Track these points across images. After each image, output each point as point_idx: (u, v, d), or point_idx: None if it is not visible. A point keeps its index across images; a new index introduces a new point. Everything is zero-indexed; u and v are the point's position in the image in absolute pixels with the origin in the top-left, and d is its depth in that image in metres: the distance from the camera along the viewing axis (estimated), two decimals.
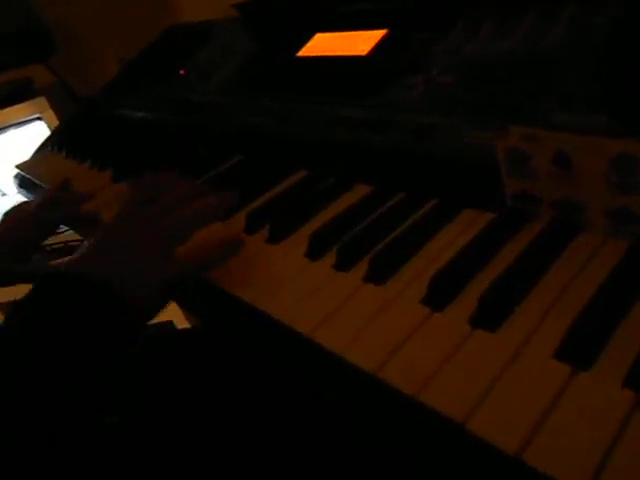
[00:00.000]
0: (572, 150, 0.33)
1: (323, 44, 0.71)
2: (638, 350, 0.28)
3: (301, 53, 0.71)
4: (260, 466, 0.48)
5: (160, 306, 0.42)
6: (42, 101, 1.28)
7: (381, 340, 0.33)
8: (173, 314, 1.47)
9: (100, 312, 0.37)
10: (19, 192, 0.90)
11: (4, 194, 1.42)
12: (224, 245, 0.45)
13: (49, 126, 1.30)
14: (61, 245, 1.35)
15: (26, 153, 0.96)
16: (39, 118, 1.32)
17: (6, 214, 0.65)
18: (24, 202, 0.70)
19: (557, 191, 0.36)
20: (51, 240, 1.36)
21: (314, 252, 0.43)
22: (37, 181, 0.83)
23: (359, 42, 0.66)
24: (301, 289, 0.40)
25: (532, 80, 0.43)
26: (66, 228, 1.28)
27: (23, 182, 0.87)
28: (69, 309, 0.36)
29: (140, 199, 0.45)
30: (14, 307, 0.37)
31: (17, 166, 0.91)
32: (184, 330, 1.05)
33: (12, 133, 1.36)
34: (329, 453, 0.45)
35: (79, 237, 1.32)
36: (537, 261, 0.35)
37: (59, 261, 0.63)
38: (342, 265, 0.41)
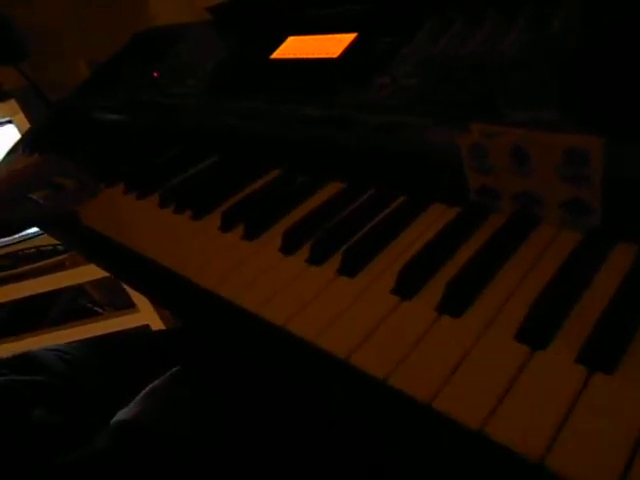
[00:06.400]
0: (528, 145, 0.35)
1: (296, 47, 0.73)
2: (590, 331, 0.30)
3: (275, 55, 0.72)
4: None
5: None
6: (13, 104, 1.27)
7: (353, 328, 0.35)
8: (149, 318, 1.47)
9: None
10: None
11: None
12: None
13: (20, 129, 1.28)
14: (33, 250, 1.34)
15: None
16: (10, 121, 1.30)
17: None
18: None
19: (515, 185, 0.38)
20: (23, 245, 1.34)
21: (288, 247, 0.45)
22: None
23: (330, 45, 0.67)
24: (276, 283, 0.42)
25: (492, 80, 0.45)
26: (39, 232, 1.26)
27: None
28: None
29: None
30: None
31: None
32: (160, 331, 1.05)
33: None
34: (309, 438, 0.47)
35: (52, 242, 1.30)
36: (498, 252, 0.37)
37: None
38: (315, 259, 0.43)
